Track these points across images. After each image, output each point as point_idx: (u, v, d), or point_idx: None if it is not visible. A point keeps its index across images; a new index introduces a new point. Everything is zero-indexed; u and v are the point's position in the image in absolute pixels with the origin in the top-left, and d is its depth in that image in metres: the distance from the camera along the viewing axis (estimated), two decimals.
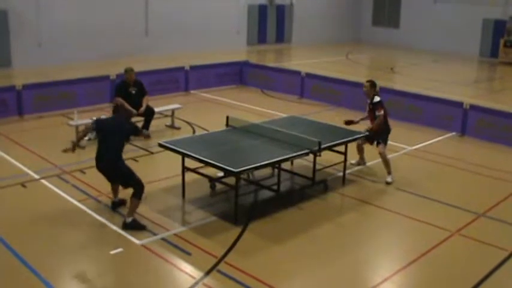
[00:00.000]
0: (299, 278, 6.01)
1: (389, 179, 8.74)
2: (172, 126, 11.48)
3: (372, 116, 8.92)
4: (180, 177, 7.85)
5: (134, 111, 10.35)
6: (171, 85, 14.62)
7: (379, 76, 19.02)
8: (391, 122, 9.21)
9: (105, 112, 11.70)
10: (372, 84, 9.00)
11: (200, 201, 7.83)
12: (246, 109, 13.24)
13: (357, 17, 29.36)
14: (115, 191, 7.38)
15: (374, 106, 8.85)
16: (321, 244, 6.78)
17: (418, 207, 8.01)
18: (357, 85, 14.05)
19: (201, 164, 7.48)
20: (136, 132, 7.60)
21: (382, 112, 8.77)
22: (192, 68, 15.21)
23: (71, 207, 7.49)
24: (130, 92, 10.54)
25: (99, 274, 6.00)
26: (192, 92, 15.00)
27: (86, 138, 10.38)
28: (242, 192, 7.77)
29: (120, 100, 10.38)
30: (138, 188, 6.86)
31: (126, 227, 6.82)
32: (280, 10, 25.70)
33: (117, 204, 7.39)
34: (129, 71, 10.65)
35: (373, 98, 8.88)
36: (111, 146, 6.92)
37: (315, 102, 14.29)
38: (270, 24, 25.49)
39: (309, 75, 15.07)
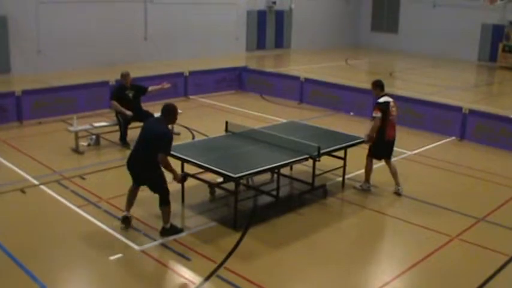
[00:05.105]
0: (299, 283, 6.01)
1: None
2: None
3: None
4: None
5: (129, 113, 10.37)
6: (170, 91, 14.53)
7: None
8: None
9: (104, 118, 11.71)
10: (375, 84, 8.38)
11: (200, 206, 7.82)
12: (245, 114, 13.25)
13: (356, 22, 29.44)
14: (131, 202, 6.96)
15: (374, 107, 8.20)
16: (321, 249, 6.78)
17: (417, 212, 8.00)
18: (356, 90, 14.12)
19: (201, 170, 7.48)
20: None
21: (378, 114, 8.09)
22: (191, 73, 15.22)
23: (70, 213, 7.48)
24: (127, 94, 10.55)
25: (99, 280, 5.99)
26: (191, 97, 15.01)
27: (85, 144, 10.42)
28: (241, 197, 7.76)
29: (114, 103, 10.43)
30: (165, 195, 6.69)
31: (165, 233, 6.73)
32: (279, 16, 25.75)
33: (128, 222, 6.88)
34: (125, 75, 10.66)
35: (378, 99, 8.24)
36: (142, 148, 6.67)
37: (314, 107, 14.31)
38: (269, 30, 25.54)
39: (308, 81, 15.09)
